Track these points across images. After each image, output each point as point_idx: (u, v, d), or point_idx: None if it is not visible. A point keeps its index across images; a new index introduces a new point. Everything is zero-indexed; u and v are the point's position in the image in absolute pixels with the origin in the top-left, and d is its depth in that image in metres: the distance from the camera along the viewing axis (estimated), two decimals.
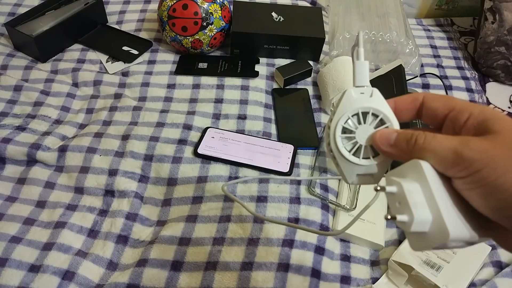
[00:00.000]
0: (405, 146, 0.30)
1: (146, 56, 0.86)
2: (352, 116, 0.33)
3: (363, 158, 0.32)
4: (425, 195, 0.28)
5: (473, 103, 0.30)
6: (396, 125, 0.32)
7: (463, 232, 0.27)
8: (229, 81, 0.80)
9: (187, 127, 0.72)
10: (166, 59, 0.85)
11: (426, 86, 0.84)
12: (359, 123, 0.32)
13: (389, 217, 0.28)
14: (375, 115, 0.32)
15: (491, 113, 0.28)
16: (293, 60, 0.85)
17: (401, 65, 0.79)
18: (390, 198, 0.30)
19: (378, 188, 0.29)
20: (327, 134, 0.34)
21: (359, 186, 0.64)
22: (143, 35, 0.90)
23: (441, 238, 0.27)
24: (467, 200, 0.28)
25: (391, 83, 0.78)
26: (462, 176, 0.27)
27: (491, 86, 0.87)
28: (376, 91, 0.33)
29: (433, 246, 0.28)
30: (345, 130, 0.33)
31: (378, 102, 0.32)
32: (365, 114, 0.32)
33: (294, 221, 0.60)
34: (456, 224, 0.27)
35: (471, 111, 0.29)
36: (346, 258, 0.60)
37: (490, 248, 0.59)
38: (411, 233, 0.28)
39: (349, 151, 0.32)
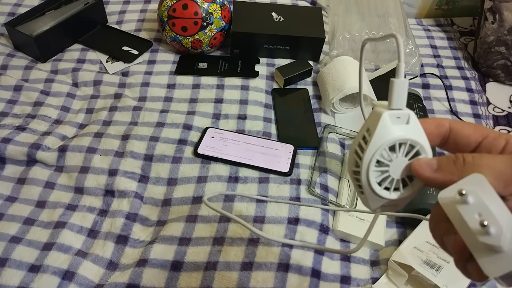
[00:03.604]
0: (453, 167, 0.28)
1: (146, 56, 0.86)
2: (388, 148, 0.29)
3: (393, 190, 0.30)
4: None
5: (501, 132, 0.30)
6: (431, 156, 0.30)
7: None
8: (229, 81, 0.80)
9: (187, 127, 0.72)
10: (166, 59, 0.85)
11: (426, 86, 0.84)
12: (394, 153, 0.30)
13: (485, 223, 0.25)
14: (411, 146, 0.30)
15: None
16: (293, 60, 0.85)
17: None
18: (465, 210, 0.26)
19: (463, 192, 0.26)
20: (352, 160, 0.31)
21: None
22: (143, 35, 0.90)
23: None
24: None
25: None
26: None
27: (491, 86, 0.87)
28: (412, 116, 0.30)
29: (510, 269, 0.25)
30: (379, 163, 0.30)
31: (415, 131, 0.29)
32: (400, 144, 0.30)
33: (294, 221, 0.60)
34: None
35: (507, 138, 0.28)
36: (346, 258, 0.60)
37: None
38: (485, 254, 0.25)
39: (379, 184, 0.30)
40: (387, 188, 0.30)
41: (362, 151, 0.30)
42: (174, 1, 0.79)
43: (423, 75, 0.86)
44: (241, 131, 0.73)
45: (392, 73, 0.79)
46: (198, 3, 0.79)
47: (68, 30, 0.85)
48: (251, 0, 0.96)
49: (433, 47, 0.94)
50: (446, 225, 0.28)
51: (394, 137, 0.29)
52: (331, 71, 0.77)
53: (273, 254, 0.57)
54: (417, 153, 0.30)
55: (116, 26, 0.92)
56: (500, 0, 0.83)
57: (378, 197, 0.30)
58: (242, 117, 0.75)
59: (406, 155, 0.30)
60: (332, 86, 0.75)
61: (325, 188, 0.66)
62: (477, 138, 0.30)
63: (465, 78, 0.87)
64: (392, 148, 0.29)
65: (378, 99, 0.76)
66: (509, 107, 0.83)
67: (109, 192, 0.64)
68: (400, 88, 0.29)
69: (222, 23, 0.82)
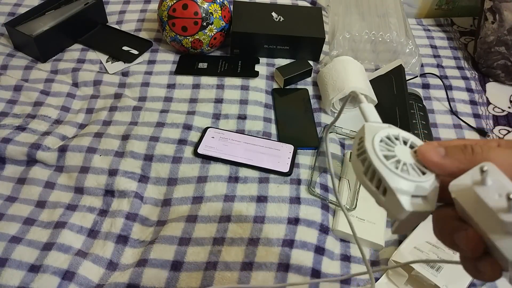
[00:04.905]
0: (462, 155, 0.28)
1: (146, 56, 0.86)
2: (385, 137, 0.31)
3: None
4: None
5: None
6: None
7: None
8: (229, 81, 0.80)
9: (187, 127, 0.72)
10: (166, 59, 0.85)
11: (426, 86, 0.84)
12: (392, 142, 0.31)
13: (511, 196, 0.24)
14: (404, 142, 0.31)
15: None
16: (293, 60, 0.85)
17: (401, 65, 0.79)
18: (483, 191, 0.26)
19: (485, 168, 0.25)
20: (358, 163, 0.31)
21: (359, 186, 0.64)
22: (143, 35, 0.90)
23: None
24: None
25: (391, 83, 0.78)
26: None
27: (491, 86, 0.87)
28: (392, 126, 0.32)
29: None
30: (384, 147, 0.30)
31: (402, 131, 0.32)
32: (395, 137, 0.31)
33: (294, 221, 0.60)
34: None
35: (498, 141, 0.29)
36: (346, 258, 0.60)
37: None
38: (506, 236, 0.25)
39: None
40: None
41: (362, 143, 0.31)
42: (174, 1, 0.79)
43: (423, 75, 0.86)
44: (241, 131, 0.73)
45: (392, 73, 0.79)
46: (198, 3, 0.79)
47: (68, 30, 0.85)
48: (251, 0, 0.96)
49: (433, 47, 0.94)
50: (455, 223, 0.28)
51: (386, 130, 0.31)
52: (331, 71, 0.77)
53: (273, 254, 0.57)
54: (413, 147, 0.31)
55: (116, 26, 0.92)
56: (500, 0, 0.83)
57: (399, 180, 0.28)
58: (242, 117, 0.75)
59: (406, 146, 0.31)
60: (332, 86, 0.75)
61: (325, 188, 0.66)
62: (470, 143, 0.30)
63: (465, 78, 0.87)
64: (388, 138, 0.31)
65: (378, 99, 0.76)
66: (509, 107, 0.83)
67: (109, 192, 0.64)
68: (369, 108, 0.34)
69: (222, 23, 0.82)
